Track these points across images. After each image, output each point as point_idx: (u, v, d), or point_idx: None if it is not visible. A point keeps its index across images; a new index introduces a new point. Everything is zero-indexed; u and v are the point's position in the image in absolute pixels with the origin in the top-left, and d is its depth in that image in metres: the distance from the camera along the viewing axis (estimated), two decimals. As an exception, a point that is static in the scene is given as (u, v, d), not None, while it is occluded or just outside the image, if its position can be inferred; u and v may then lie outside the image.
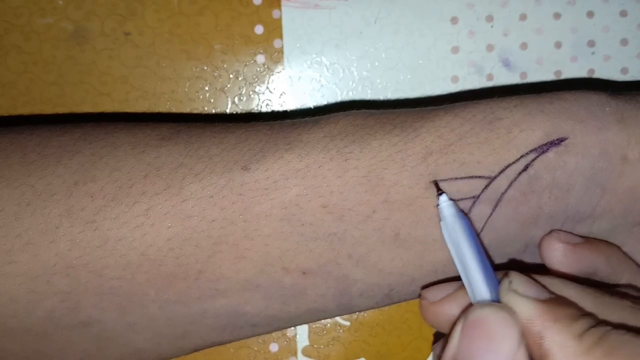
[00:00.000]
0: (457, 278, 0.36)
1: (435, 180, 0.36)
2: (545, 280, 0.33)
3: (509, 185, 0.36)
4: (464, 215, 0.35)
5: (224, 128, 0.39)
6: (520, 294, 0.32)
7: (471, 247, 0.34)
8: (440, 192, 0.35)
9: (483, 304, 0.32)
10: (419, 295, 0.37)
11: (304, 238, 0.36)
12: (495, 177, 0.36)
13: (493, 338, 0.31)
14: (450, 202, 0.35)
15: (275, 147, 0.37)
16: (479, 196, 0.36)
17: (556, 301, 0.32)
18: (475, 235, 0.35)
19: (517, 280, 0.33)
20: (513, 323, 0.31)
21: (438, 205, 0.35)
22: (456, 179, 0.36)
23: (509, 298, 0.32)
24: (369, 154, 0.36)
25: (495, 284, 0.33)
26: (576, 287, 0.33)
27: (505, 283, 0.33)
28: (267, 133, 0.38)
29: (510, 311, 0.32)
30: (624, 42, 0.50)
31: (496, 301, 0.33)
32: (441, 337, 0.38)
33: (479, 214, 0.36)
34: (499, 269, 0.36)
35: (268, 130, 0.38)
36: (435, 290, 0.37)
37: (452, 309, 0.36)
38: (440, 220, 0.35)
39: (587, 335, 0.30)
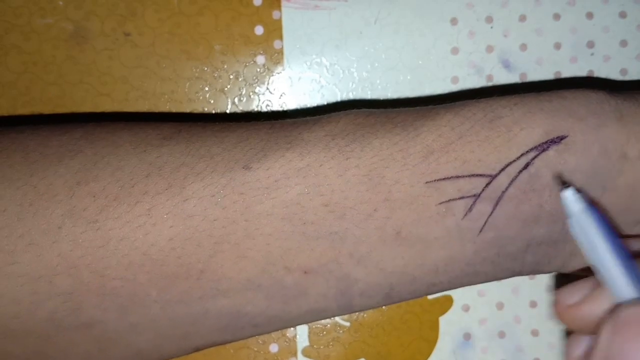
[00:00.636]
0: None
1: (558, 174, 0.35)
2: None
3: (510, 184, 0.36)
4: (595, 208, 0.33)
5: (225, 127, 0.39)
6: None
7: (608, 243, 0.32)
8: (566, 185, 0.34)
9: (633, 301, 0.32)
10: (554, 301, 0.36)
11: (305, 237, 0.36)
12: (496, 176, 0.36)
13: None
14: (579, 195, 0.33)
15: (277, 146, 0.37)
16: (479, 194, 0.36)
17: None
18: (610, 228, 0.33)
19: None
20: None
21: (563, 200, 0.34)
22: (457, 177, 0.36)
23: None
24: (370, 153, 0.36)
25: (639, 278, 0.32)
26: None
27: None
28: (268, 132, 0.38)
29: None
30: (624, 43, 0.50)
31: None
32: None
33: (479, 212, 0.36)
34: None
35: (269, 129, 0.38)
36: (570, 292, 0.35)
37: (592, 310, 0.34)
38: (567, 217, 0.34)
39: None
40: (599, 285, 0.34)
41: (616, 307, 0.32)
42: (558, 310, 0.36)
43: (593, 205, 0.33)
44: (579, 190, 0.33)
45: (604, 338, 0.31)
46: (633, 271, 0.32)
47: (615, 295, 0.32)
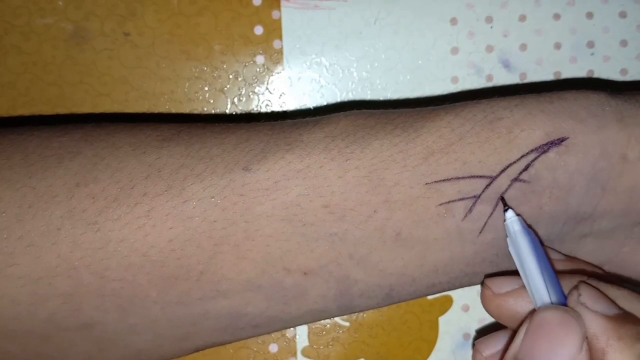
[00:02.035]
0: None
1: (501, 196, 0.36)
2: (616, 292, 0.34)
3: (510, 185, 0.36)
4: (530, 231, 0.35)
5: (224, 128, 0.39)
6: (588, 308, 0.32)
7: (536, 262, 0.35)
8: (506, 207, 0.36)
9: (551, 306, 0.33)
10: (482, 284, 0.38)
11: (305, 238, 0.36)
12: (496, 177, 0.36)
13: (555, 339, 0.31)
14: (516, 218, 0.36)
15: (276, 147, 0.37)
16: (479, 195, 0.36)
17: (623, 318, 0.32)
18: (542, 250, 0.35)
19: (586, 294, 0.33)
20: (577, 328, 0.31)
21: (505, 221, 0.36)
22: (457, 178, 0.36)
23: (577, 310, 0.32)
24: (370, 154, 0.36)
25: (561, 298, 0.34)
26: None
27: (574, 295, 0.33)
28: (268, 133, 0.38)
29: (576, 315, 0.32)
30: (624, 43, 0.50)
31: None
32: (483, 335, 0.38)
33: (479, 214, 0.36)
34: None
35: (269, 130, 0.38)
36: (500, 282, 0.37)
37: (517, 304, 0.36)
38: (506, 236, 0.36)
39: None
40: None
41: (534, 311, 0.34)
42: (485, 296, 0.37)
43: (529, 228, 0.36)
44: (518, 215, 0.36)
45: (518, 337, 0.33)
46: (552, 284, 0.34)
47: (535, 302, 0.34)
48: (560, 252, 0.39)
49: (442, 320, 0.51)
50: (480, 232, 0.37)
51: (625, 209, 0.37)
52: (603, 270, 0.40)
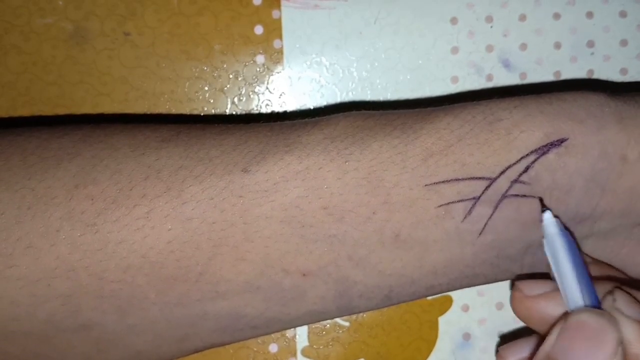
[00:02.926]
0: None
1: (540, 198, 0.36)
2: None
3: (510, 186, 0.36)
4: (567, 233, 0.35)
5: (223, 130, 0.39)
6: (623, 313, 0.32)
7: (572, 265, 0.35)
8: (544, 209, 0.36)
9: (587, 308, 0.33)
10: (512, 285, 0.38)
11: (304, 240, 0.36)
12: (496, 178, 0.36)
13: (593, 341, 0.32)
14: (554, 220, 0.35)
15: (275, 149, 0.37)
16: (479, 197, 0.36)
17: None
18: (578, 253, 0.35)
19: (621, 300, 0.33)
20: (614, 331, 0.32)
21: (542, 221, 0.36)
22: (457, 180, 0.36)
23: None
24: (369, 156, 0.36)
25: (595, 303, 0.34)
26: None
27: (609, 300, 0.33)
28: (267, 135, 0.38)
29: (612, 319, 0.32)
30: (624, 42, 0.50)
31: None
32: (507, 342, 0.38)
33: (479, 215, 0.36)
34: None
35: (268, 131, 0.38)
36: (532, 285, 0.37)
37: (548, 307, 0.36)
38: (543, 237, 0.36)
39: None
40: (558, 290, 0.35)
41: (567, 313, 0.34)
42: (516, 298, 0.37)
43: (566, 230, 0.36)
44: (556, 216, 0.36)
45: (552, 337, 0.33)
46: (587, 287, 0.34)
47: (569, 304, 0.34)
48: (588, 255, 0.39)
49: (442, 320, 0.51)
50: (479, 234, 0.37)
51: (625, 209, 0.37)
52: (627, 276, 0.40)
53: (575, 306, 0.34)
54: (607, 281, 0.36)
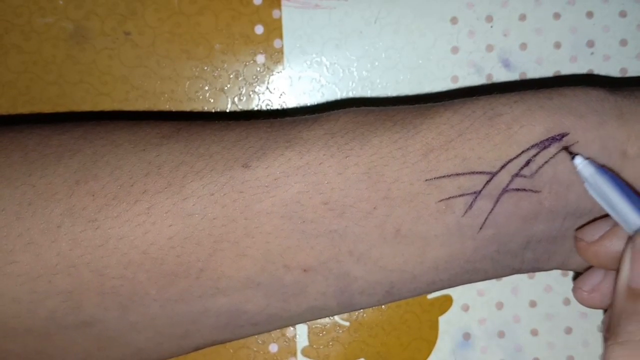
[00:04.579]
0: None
1: (565, 147, 0.36)
2: None
3: (510, 181, 0.36)
4: (603, 168, 0.35)
5: (224, 126, 0.39)
6: None
7: (621, 193, 0.35)
8: (573, 155, 0.36)
9: None
10: (574, 237, 0.38)
11: (305, 235, 0.36)
12: (496, 173, 0.36)
13: None
14: (587, 161, 0.35)
15: (276, 144, 0.37)
16: (480, 191, 0.36)
17: None
18: (621, 181, 0.35)
19: None
20: None
21: (576, 168, 0.36)
22: (457, 174, 0.36)
23: None
24: (369, 151, 0.36)
25: None
26: None
27: None
28: (267, 130, 0.38)
29: None
30: (624, 42, 0.50)
31: None
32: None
33: (479, 210, 0.36)
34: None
35: (268, 127, 0.38)
36: (591, 230, 0.37)
37: (613, 244, 0.36)
38: (583, 181, 0.36)
39: None
40: (617, 225, 0.36)
41: (632, 237, 0.34)
42: (580, 247, 0.37)
43: (602, 168, 0.35)
44: (587, 158, 0.36)
45: (625, 265, 0.33)
46: None
47: (632, 229, 0.34)
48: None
49: (442, 320, 0.51)
50: (480, 228, 0.37)
51: None
52: None
53: (637, 227, 0.34)
54: None
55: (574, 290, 0.39)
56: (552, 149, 0.36)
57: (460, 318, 0.51)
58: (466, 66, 0.50)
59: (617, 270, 0.34)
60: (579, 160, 0.35)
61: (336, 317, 0.50)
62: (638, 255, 0.33)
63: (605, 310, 0.39)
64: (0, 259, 0.36)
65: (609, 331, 0.33)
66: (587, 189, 0.35)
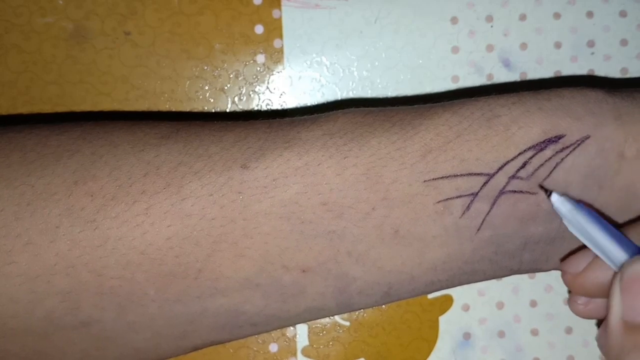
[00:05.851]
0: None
1: (540, 184, 0.36)
2: None
3: (507, 182, 0.36)
4: (581, 204, 0.35)
5: (223, 126, 0.39)
6: None
7: (600, 229, 0.34)
8: (549, 192, 0.36)
9: (633, 259, 0.33)
10: (561, 271, 0.38)
11: (303, 236, 0.36)
12: (494, 174, 0.36)
13: None
14: (563, 198, 0.35)
15: (275, 145, 0.37)
16: (477, 193, 0.36)
17: None
18: (598, 216, 0.35)
19: None
20: None
21: (553, 205, 0.35)
22: (455, 176, 0.36)
23: None
24: (367, 152, 0.36)
25: (635, 250, 0.34)
26: None
27: None
28: (266, 131, 0.38)
29: None
30: (624, 42, 0.50)
31: None
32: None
33: (477, 211, 0.36)
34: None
35: (267, 128, 0.38)
36: (575, 261, 0.37)
37: (598, 276, 0.36)
38: (561, 219, 0.36)
39: None
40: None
41: (619, 271, 0.33)
42: (566, 280, 0.37)
43: (578, 203, 0.35)
44: (563, 194, 0.35)
45: (615, 299, 0.33)
46: (622, 240, 0.34)
47: (615, 264, 0.34)
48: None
49: (442, 319, 0.51)
50: (478, 230, 0.37)
51: (622, 206, 0.37)
52: None
53: (621, 262, 0.34)
54: (636, 225, 0.36)
55: (570, 302, 0.39)
56: (548, 152, 0.36)
57: (460, 318, 0.51)
58: (466, 66, 0.50)
59: (607, 306, 0.34)
60: (555, 197, 0.35)
61: (336, 317, 0.50)
62: (627, 289, 0.32)
63: (598, 324, 0.39)
64: None
65: None
66: (566, 225, 0.35)
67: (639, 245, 0.34)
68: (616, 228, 0.35)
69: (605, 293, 0.35)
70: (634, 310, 0.32)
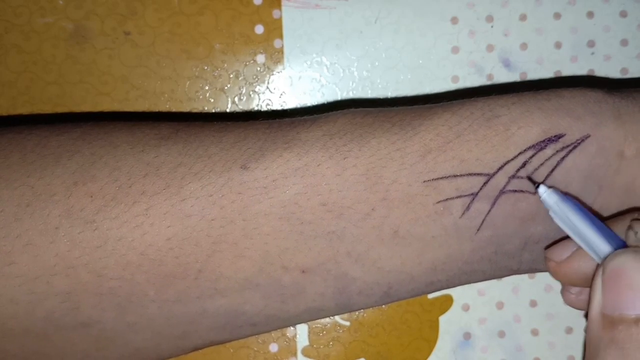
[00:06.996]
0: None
1: (528, 176, 0.36)
2: None
3: (507, 182, 0.36)
4: (567, 196, 0.35)
5: (222, 127, 0.39)
6: None
7: (584, 220, 0.34)
8: (537, 184, 0.35)
9: (616, 252, 0.32)
10: (545, 258, 0.37)
11: (303, 236, 0.36)
12: (493, 174, 0.36)
13: (637, 282, 0.31)
14: (550, 190, 0.35)
15: (274, 145, 0.37)
16: (477, 193, 0.36)
17: None
18: (584, 209, 0.35)
19: None
20: None
21: (540, 197, 0.35)
22: (455, 176, 0.36)
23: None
24: (367, 152, 0.36)
25: (620, 243, 0.33)
26: None
27: (630, 235, 0.33)
28: (265, 132, 0.38)
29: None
30: (624, 42, 0.50)
31: None
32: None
33: (477, 211, 0.36)
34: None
35: (267, 128, 0.38)
36: (559, 250, 0.36)
37: (581, 265, 0.35)
38: (549, 211, 0.35)
39: None
40: None
41: (602, 264, 0.33)
42: (550, 267, 0.37)
43: (566, 195, 0.35)
44: (550, 187, 0.35)
45: (596, 292, 0.32)
46: (607, 233, 0.34)
47: (599, 256, 0.34)
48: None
49: (443, 319, 0.51)
50: (478, 230, 0.37)
51: (622, 206, 0.37)
52: None
53: (605, 254, 0.33)
54: (622, 218, 0.36)
55: (562, 292, 0.38)
56: (548, 151, 0.36)
57: (460, 318, 0.51)
58: (466, 66, 0.50)
59: (589, 298, 0.33)
60: (542, 189, 0.35)
61: (337, 317, 0.51)
62: (609, 282, 0.32)
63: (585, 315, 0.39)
64: None
65: None
66: (553, 217, 0.35)
67: (624, 238, 0.34)
68: (602, 221, 0.34)
69: (588, 283, 0.34)
70: (614, 303, 0.31)
